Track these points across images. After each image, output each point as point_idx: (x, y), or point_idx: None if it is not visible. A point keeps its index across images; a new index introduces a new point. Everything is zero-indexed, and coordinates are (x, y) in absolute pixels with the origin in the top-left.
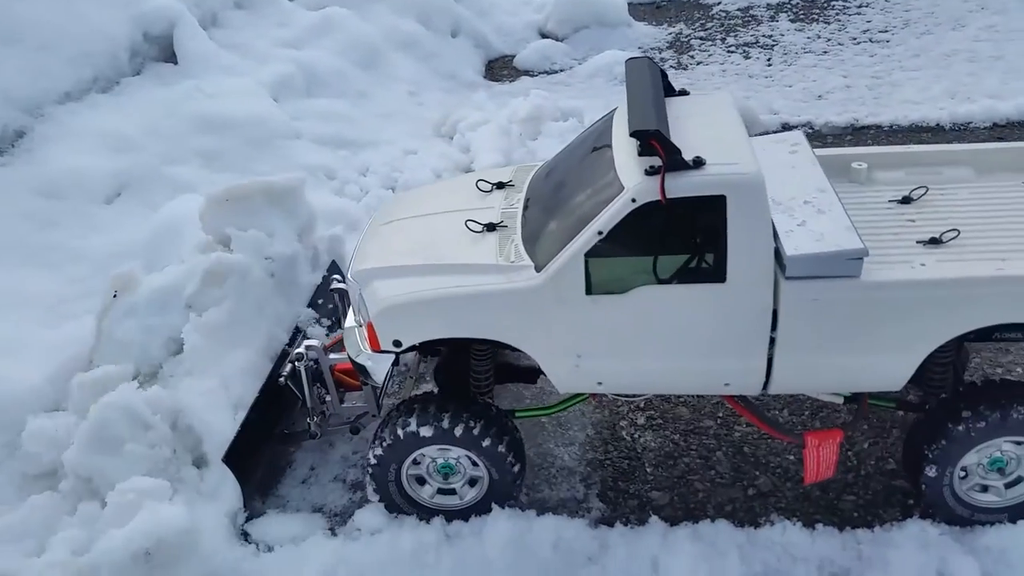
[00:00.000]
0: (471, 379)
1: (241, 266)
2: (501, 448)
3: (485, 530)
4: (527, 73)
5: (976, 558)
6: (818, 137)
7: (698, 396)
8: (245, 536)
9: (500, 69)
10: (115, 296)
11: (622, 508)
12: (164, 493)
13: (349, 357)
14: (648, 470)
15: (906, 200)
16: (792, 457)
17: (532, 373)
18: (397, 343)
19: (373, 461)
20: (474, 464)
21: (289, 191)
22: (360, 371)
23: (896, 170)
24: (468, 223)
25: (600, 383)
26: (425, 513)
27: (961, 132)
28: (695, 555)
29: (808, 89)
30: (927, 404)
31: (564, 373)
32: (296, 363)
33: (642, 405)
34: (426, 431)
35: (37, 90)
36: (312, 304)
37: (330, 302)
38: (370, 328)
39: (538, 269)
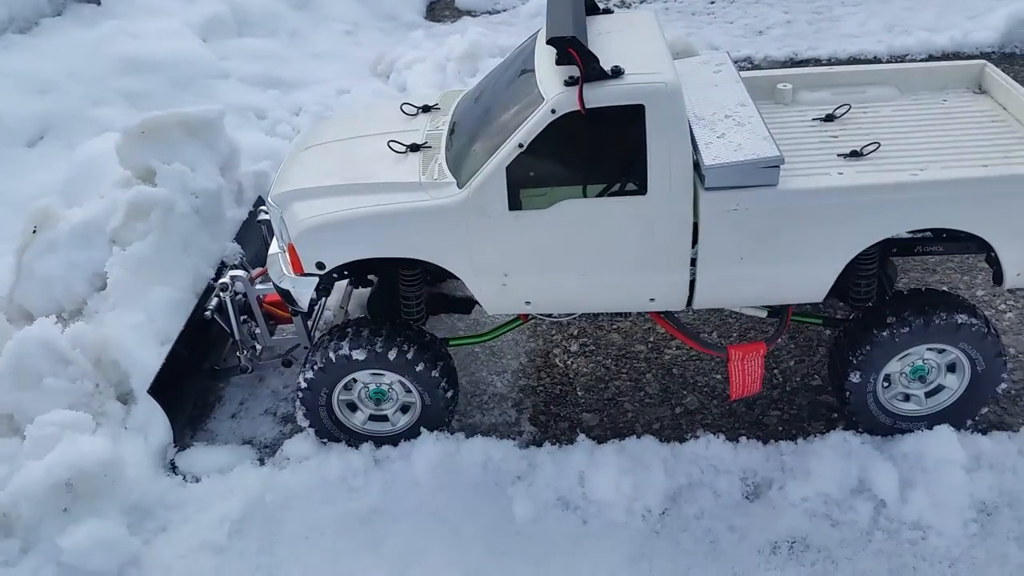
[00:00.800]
0: (402, 306)
1: (165, 200)
2: (435, 373)
3: (414, 453)
4: (469, 13)
5: (895, 464)
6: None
7: (630, 322)
8: (173, 468)
9: (442, 10)
10: (35, 232)
11: (553, 430)
12: (86, 426)
13: (273, 283)
14: (580, 394)
15: (829, 118)
16: (719, 376)
17: (466, 304)
18: (320, 265)
19: (304, 386)
20: (407, 390)
21: (207, 123)
22: (284, 296)
23: (821, 90)
24: (391, 144)
25: (528, 302)
26: (356, 439)
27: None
28: (620, 469)
29: (749, 25)
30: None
31: (491, 293)
32: (222, 294)
33: (575, 333)
34: (359, 354)
35: None
36: (239, 239)
37: (256, 235)
38: (292, 250)
39: (461, 186)
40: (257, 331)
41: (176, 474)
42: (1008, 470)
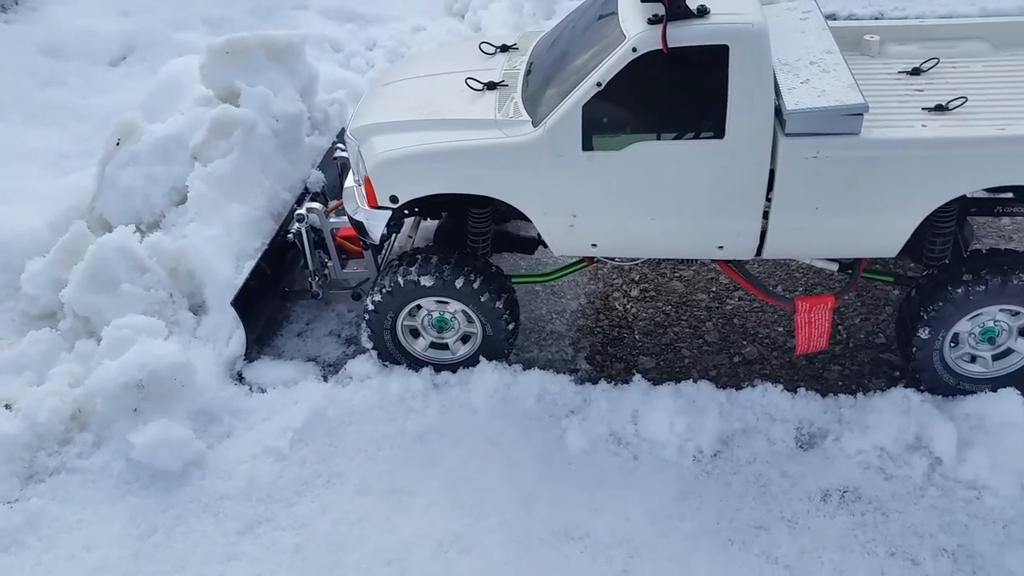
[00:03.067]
0: (468, 242)
1: (247, 120)
2: (498, 305)
3: (472, 380)
4: None
5: (955, 424)
6: None
7: (693, 271)
8: (240, 378)
9: None
10: (118, 144)
11: (608, 370)
12: (159, 331)
13: (347, 215)
14: (637, 337)
15: (916, 71)
16: (781, 329)
17: (530, 244)
18: (394, 198)
19: (371, 307)
20: (469, 320)
21: (289, 47)
22: (357, 228)
23: (909, 43)
24: (468, 81)
25: (595, 245)
26: (416, 365)
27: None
28: (674, 410)
29: None
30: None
31: (559, 234)
32: (298, 224)
33: (637, 278)
34: (427, 280)
35: None
36: (322, 167)
37: (333, 170)
38: (367, 183)
39: (535, 124)
40: (329, 263)
41: (243, 384)
42: None
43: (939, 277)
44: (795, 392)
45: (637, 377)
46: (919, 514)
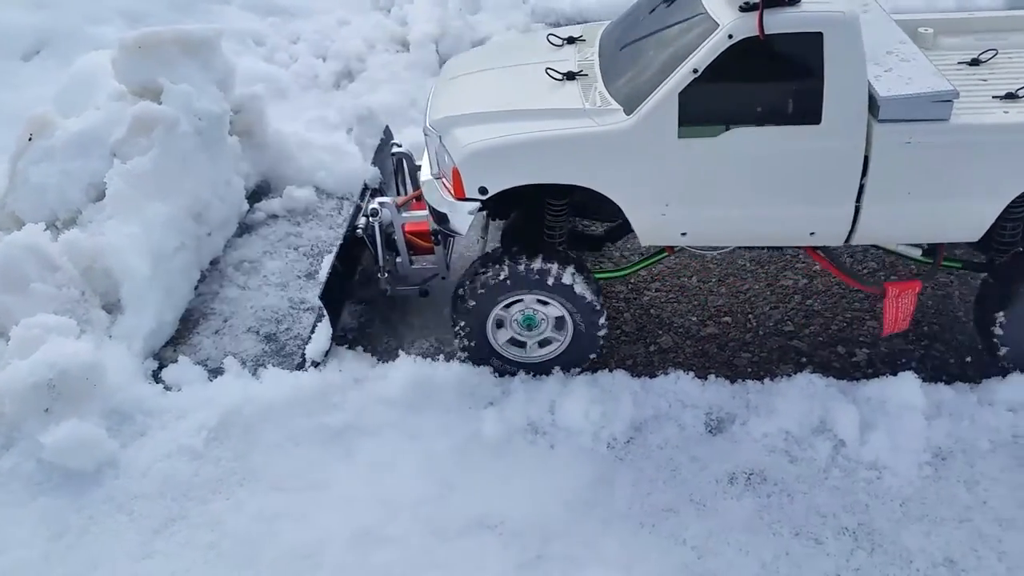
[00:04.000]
0: (544, 237)
1: (169, 117)
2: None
3: (391, 374)
4: None
5: (857, 407)
6: None
7: (612, 263)
8: (155, 377)
9: None
10: (30, 139)
11: None
12: (70, 330)
13: (429, 205)
14: None
15: (975, 62)
16: (695, 318)
17: (596, 241)
18: (483, 190)
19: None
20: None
21: (205, 42)
22: (439, 220)
23: (962, 36)
24: (548, 71)
25: (684, 233)
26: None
27: None
28: (590, 399)
29: None
30: (993, 263)
31: (649, 223)
32: (371, 219)
33: None
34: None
35: None
36: (376, 163)
37: (390, 166)
38: (455, 175)
39: (628, 112)
40: (398, 259)
41: (157, 383)
42: (966, 418)
43: None
44: (705, 379)
45: (556, 368)
46: (823, 495)
